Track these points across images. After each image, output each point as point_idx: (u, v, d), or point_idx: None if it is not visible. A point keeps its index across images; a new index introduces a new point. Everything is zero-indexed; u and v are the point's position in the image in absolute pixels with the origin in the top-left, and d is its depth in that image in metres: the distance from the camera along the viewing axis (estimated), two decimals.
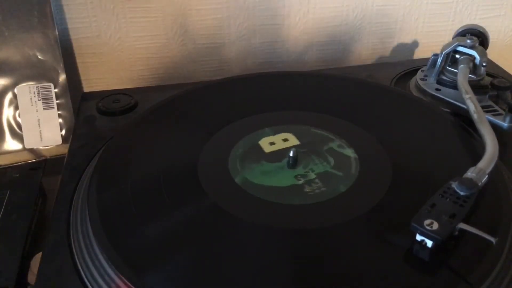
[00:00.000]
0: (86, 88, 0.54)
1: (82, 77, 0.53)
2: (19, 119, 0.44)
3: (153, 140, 0.38)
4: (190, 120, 0.40)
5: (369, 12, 0.56)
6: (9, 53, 0.43)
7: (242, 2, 0.53)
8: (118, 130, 0.40)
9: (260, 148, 0.36)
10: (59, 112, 0.45)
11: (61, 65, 0.45)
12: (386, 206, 0.31)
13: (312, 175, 0.34)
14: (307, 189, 0.32)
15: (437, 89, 0.44)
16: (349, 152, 0.36)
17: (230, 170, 0.34)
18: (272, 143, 0.37)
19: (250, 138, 0.37)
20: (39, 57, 0.44)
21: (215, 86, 0.45)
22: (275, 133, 0.38)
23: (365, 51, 0.59)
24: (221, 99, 0.43)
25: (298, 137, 0.37)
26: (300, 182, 0.33)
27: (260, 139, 0.37)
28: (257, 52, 0.57)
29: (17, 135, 0.44)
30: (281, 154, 0.36)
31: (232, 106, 0.42)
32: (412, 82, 0.47)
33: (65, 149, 0.44)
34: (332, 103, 0.42)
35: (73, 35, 0.51)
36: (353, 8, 0.56)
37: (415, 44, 0.60)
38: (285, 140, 0.37)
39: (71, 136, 0.42)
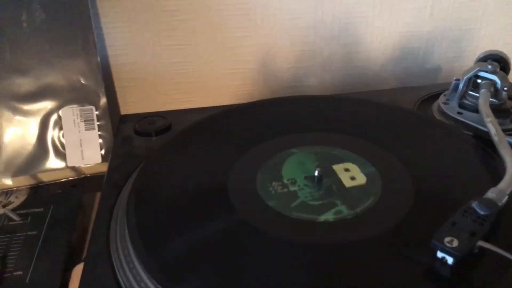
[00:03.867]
0: (124, 111, 0.57)
1: (120, 101, 0.57)
2: (62, 139, 0.48)
3: (186, 159, 0.40)
4: (220, 141, 0.43)
5: (393, 37, 0.58)
6: (55, 78, 0.47)
7: (269, 29, 0.55)
8: (154, 150, 0.43)
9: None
10: (99, 133, 0.48)
11: (102, 89, 0.48)
12: (408, 223, 0.32)
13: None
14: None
15: (459, 113, 0.45)
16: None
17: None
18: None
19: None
20: (82, 81, 0.48)
21: (243, 109, 0.47)
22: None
23: (389, 75, 0.61)
24: (249, 121, 0.45)
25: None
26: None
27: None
28: (283, 76, 0.59)
29: (61, 154, 0.47)
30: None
31: (260, 128, 0.44)
32: (434, 106, 0.49)
33: (104, 167, 0.46)
34: (355, 125, 0.44)
35: (113, 62, 0.54)
36: (377, 34, 0.58)
37: (438, 69, 0.61)
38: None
39: (110, 155, 0.44)
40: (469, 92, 0.46)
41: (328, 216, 0.33)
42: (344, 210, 0.34)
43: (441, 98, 0.48)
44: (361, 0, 0.56)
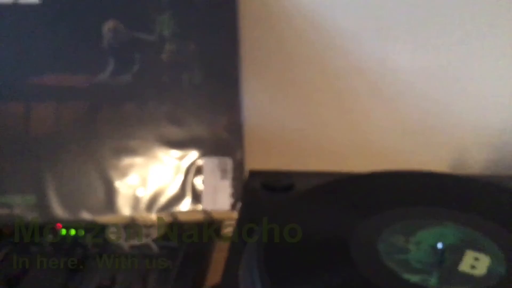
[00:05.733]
0: (250, 166, 0.62)
1: (248, 156, 0.62)
2: (200, 185, 0.54)
3: (307, 216, 0.44)
4: (339, 203, 0.45)
5: None
6: (202, 131, 0.54)
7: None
8: (279, 203, 0.47)
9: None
10: (232, 183, 0.54)
11: (241, 145, 0.54)
12: None
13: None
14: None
15: None
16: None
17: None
18: None
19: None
20: (224, 136, 0.54)
21: (363, 178, 0.50)
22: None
23: None
24: (375, 189, 0.48)
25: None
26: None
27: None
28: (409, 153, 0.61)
29: (197, 197, 0.54)
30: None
31: (386, 197, 0.46)
32: None
33: (232, 214, 0.52)
34: (481, 206, 0.44)
35: (247, 121, 0.61)
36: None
37: None
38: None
39: (238, 204, 0.49)
40: None
41: None
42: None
43: None
44: None
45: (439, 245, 0.37)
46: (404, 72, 0.59)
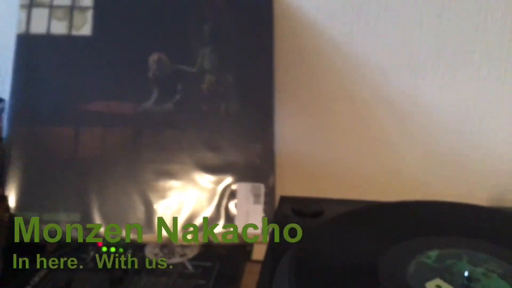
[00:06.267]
0: (283, 192, 0.65)
1: (282, 183, 0.65)
2: (234, 208, 0.57)
3: (336, 241, 0.45)
4: (368, 230, 0.47)
5: None
6: (237, 157, 0.57)
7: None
8: (309, 229, 0.49)
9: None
10: (263, 207, 0.56)
11: (273, 171, 0.57)
12: None
13: None
14: None
15: None
16: None
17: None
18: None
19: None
20: (257, 162, 0.57)
21: (392, 206, 0.52)
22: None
23: None
24: (398, 218, 0.49)
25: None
26: None
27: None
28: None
29: (230, 220, 0.56)
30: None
31: (416, 225, 0.47)
32: None
33: (262, 238, 0.54)
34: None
35: (278, 148, 0.64)
36: None
37: None
38: None
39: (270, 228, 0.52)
40: None
41: None
42: None
43: None
44: None
45: (466, 273, 0.39)
46: (433, 106, 0.60)
